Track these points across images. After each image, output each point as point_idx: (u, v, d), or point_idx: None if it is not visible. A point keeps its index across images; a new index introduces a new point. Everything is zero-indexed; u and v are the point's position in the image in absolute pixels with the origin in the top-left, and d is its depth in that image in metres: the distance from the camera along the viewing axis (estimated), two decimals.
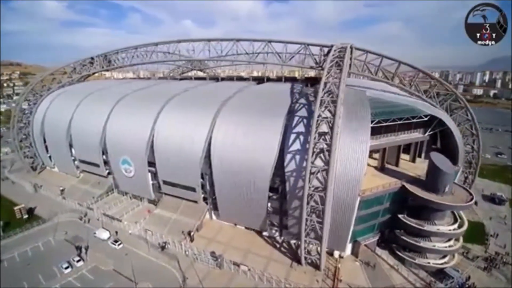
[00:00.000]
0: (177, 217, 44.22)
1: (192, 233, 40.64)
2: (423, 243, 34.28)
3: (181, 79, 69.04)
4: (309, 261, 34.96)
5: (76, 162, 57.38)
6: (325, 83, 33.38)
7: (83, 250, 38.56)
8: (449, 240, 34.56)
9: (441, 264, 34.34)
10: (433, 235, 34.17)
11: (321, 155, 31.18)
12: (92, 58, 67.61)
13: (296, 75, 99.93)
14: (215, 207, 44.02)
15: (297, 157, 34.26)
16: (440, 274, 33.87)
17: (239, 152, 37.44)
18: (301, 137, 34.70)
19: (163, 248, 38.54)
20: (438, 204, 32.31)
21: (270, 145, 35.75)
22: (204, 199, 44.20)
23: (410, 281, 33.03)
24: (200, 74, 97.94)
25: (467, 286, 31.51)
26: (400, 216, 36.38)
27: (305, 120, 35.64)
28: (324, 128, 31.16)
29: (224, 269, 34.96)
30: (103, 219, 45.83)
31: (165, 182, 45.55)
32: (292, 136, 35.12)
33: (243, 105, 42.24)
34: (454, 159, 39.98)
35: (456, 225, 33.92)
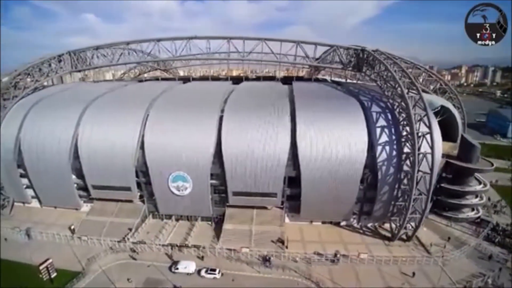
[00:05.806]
0: (255, 228, 41.14)
1: (285, 240, 39.15)
2: (464, 201, 45.16)
3: (193, 79, 61.14)
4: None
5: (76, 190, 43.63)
6: (403, 82, 38.91)
7: None
8: (477, 196, 46.70)
9: (475, 215, 46.14)
10: (468, 194, 45.40)
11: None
12: (60, 56, 52.51)
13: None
14: (290, 209, 43.44)
15: (387, 147, 38.68)
16: (474, 223, 45.48)
17: (330, 149, 38.52)
18: (386, 130, 39.27)
19: (269, 261, 35.79)
20: (478, 170, 43.49)
21: (361, 139, 38.58)
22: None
23: (464, 231, 43.35)
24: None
25: (496, 226, 43.94)
26: (442, 184, 46.32)
27: (383, 115, 40.36)
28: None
29: (341, 264, 36.03)
30: (169, 250, 37.58)
31: (235, 193, 41.38)
32: (378, 130, 39.23)
33: (314, 103, 42.54)
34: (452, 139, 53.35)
35: (482, 185, 46.19)
